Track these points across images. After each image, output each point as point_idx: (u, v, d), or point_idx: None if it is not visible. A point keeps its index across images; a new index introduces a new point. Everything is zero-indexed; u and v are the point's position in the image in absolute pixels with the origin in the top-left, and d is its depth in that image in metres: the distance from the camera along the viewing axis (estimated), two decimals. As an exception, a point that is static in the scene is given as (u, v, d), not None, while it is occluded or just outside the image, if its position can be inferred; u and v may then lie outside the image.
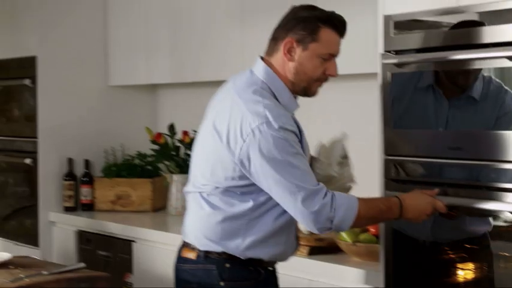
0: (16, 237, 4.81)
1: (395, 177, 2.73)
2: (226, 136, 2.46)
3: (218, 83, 4.22)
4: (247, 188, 2.49)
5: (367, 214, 2.46)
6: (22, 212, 4.80)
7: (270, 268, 2.63)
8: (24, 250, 4.46)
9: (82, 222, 4.42)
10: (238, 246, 2.53)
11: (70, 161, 4.63)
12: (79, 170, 4.65)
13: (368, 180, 2.83)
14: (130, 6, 4.58)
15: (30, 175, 4.69)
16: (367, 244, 3.03)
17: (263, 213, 2.52)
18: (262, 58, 2.59)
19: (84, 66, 4.72)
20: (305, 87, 2.55)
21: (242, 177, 2.47)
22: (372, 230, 3.07)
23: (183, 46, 4.24)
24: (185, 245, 2.64)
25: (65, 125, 4.65)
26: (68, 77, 4.67)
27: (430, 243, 2.69)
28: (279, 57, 2.53)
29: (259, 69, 2.56)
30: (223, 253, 2.53)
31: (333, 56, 2.54)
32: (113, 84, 4.78)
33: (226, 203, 2.53)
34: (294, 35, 2.50)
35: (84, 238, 4.39)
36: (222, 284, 2.53)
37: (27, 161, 4.63)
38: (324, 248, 3.19)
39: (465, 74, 2.56)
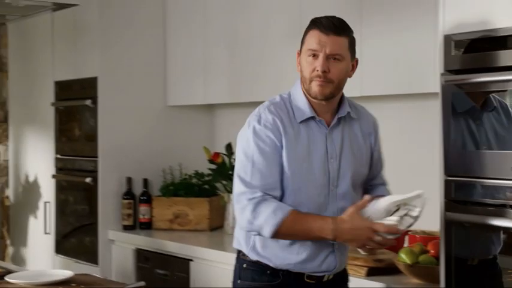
0: (76, 255, 4.86)
1: (455, 198, 2.69)
2: None
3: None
4: None
5: (292, 228, 2.52)
6: (82, 230, 4.84)
7: (306, 279, 2.64)
8: (84, 268, 4.50)
9: (140, 240, 4.45)
10: (248, 247, 2.67)
11: (129, 180, 4.67)
12: (138, 189, 4.69)
13: (429, 201, 2.80)
14: (188, 28, 4.62)
15: (90, 194, 4.74)
16: (426, 265, 2.99)
17: None
18: None
19: (143, 87, 4.76)
20: (307, 89, 2.62)
21: None
22: (432, 251, 3.03)
23: (240, 66, 4.26)
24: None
25: (124, 145, 4.69)
26: (127, 98, 4.72)
27: (491, 266, 2.65)
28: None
29: (295, 82, 2.72)
30: (244, 254, 2.69)
31: (315, 52, 2.58)
32: (171, 104, 4.82)
33: None
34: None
35: (142, 256, 4.41)
36: (238, 282, 2.71)
37: (88, 179, 4.68)
38: (382, 269, 3.16)
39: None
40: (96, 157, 4.66)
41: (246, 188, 2.56)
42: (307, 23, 3.76)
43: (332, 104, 2.66)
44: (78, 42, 4.81)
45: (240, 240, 2.71)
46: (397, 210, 2.50)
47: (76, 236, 4.91)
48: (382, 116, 3.81)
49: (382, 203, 2.52)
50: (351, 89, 3.54)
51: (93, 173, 4.68)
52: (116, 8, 4.66)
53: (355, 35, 3.53)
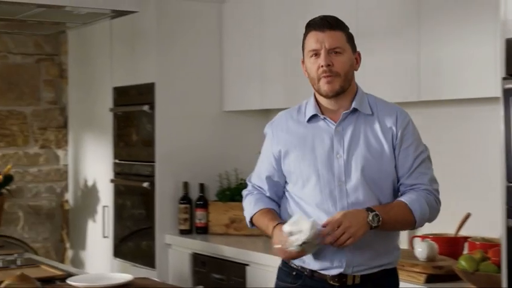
0: (133, 258, 4.90)
1: None
2: None
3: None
4: None
5: (257, 224, 2.75)
6: (139, 234, 4.89)
7: (329, 280, 2.61)
8: (141, 271, 4.54)
9: (197, 245, 4.46)
10: None
11: (186, 185, 4.69)
12: (194, 194, 4.71)
13: (489, 208, 2.76)
14: (245, 33, 4.63)
15: (147, 198, 4.78)
16: (487, 273, 2.94)
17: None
18: None
19: (200, 92, 4.79)
20: (317, 89, 2.66)
21: None
22: (493, 258, 2.98)
23: (296, 71, 4.25)
24: None
25: (181, 150, 4.72)
26: (184, 103, 4.74)
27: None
28: None
29: None
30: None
31: (316, 51, 2.62)
32: (227, 109, 4.83)
33: None
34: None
35: (199, 261, 4.43)
36: (276, 281, 2.77)
37: (145, 184, 4.72)
38: (442, 276, 3.12)
39: None
40: (154, 162, 4.70)
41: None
42: (366, 25, 3.77)
43: (343, 101, 2.65)
44: (136, 49, 4.86)
45: None
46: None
47: (133, 239, 4.95)
48: (440, 121, 3.78)
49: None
50: (407, 94, 3.53)
51: (151, 178, 4.72)
52: (173, 15, 4.69)
53: (412, 38, 3.51)
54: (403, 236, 3.82)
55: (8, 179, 5.11)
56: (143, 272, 4.53)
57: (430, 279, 3.10)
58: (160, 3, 4.66)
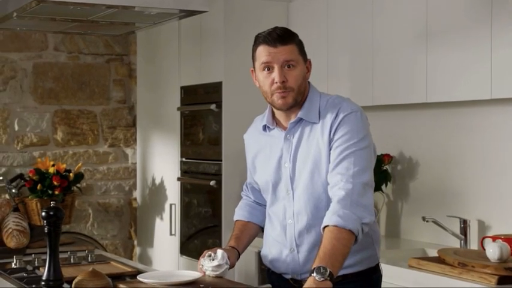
0: (199, 256, 4.89)
1: None
2: None
3: (399, 107, 4.21)
4: None
5: None
6: (205, 232, 4.90)
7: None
8: (208, 269, 4.54)
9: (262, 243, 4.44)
10: None
11: (252, 184, 4.68)
12: (260, 193, 4.69)
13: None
14: (312, 35, 4.59)
15: (213, 196, 4.79)
16: None
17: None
18: None
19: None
20: (270, 102, 2.64)
21: None
22: None
23: (363, 72, 4.21)
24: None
25: (248, 149, 4.71)
26: (251, 102, 4.70)
27: None
28: None
29: None
30: None
31: (268, 64, 2.58)
32: (293, 108, 4.80)
33: None
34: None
35: (265, 259, 4.41)
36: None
37: (212, 182, 4.73)
38: (514, 278, 3.05)
39: None
40: (220, 160, 4.71)
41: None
42: (435, 26, 3.71)
43: (296, 109, 2.61)
44: (204, 48, 4.87)
45: None
46: None
47: (200, 237, 4.97)
48: (499, 119, 3.70)
49: None
50: (479, 93, 3.46)
51: (217, 176, 4.72)
52: (240, 14, 4.70)
53: (484, 37, 3.43)
54: (474, 236, 3.76)
55: (79, 176, 5.16)
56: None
57: (501, 280, 3.02)
58: (228, 3, 4.67)
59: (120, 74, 5.84)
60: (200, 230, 4.97)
